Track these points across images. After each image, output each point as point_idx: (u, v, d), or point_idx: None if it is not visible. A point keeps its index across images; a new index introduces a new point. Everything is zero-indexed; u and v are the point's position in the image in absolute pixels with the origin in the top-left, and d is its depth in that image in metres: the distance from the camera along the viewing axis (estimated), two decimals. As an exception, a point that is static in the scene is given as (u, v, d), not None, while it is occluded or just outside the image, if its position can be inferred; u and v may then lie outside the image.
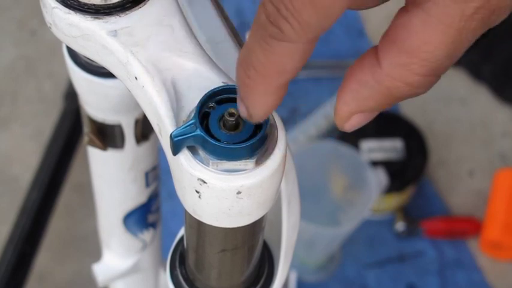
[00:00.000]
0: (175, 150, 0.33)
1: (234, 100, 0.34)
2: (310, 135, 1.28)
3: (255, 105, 0.32)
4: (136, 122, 0.54)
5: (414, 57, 0.30)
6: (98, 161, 0.59)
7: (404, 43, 0.30)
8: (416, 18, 0.30)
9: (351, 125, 0.33)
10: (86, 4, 0.37)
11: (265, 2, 0.30)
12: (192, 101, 0.35)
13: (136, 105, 0.38)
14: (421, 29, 0.30)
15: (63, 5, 0.37)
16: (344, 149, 1.13)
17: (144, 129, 0.55)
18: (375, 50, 0.31)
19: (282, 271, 0.44)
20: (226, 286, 0.43)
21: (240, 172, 0.33)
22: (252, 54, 0.31)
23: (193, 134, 0.32)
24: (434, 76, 0.31)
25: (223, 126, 0.33)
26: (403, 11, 0.31)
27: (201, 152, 0.33)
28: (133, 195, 0.61)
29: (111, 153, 0.56)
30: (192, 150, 0.33)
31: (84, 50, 0.38)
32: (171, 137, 0.33)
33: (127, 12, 0.37)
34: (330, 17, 0.29)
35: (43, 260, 1.18)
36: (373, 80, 0.31)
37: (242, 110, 0.33)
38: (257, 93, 0.32)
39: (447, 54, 0.30)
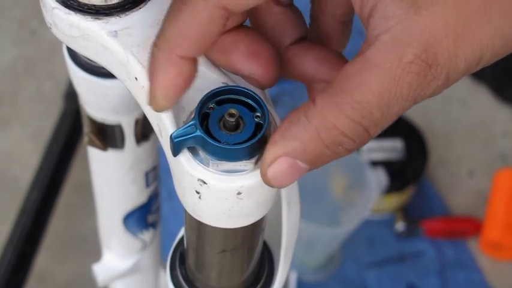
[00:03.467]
0: (176, 151, 0.33)
1: (234, 101, 0.34)
2: (310, 135, 1.28)
3: (158, 78, 0.32)
4: (137, 122, 0.54)
5: (347, 97, 0.30)
6: (98, 161, 0.59)
7: (341, 84, 0.30)
8: (357, 63, 0.30)
9: (274, 172, 0.31)
10: (86, 5, 0.37)
11: None
12: (192, 102, 0.35)
13: (137, 105, 0.38)
14: (360, 72, 0.30)
15: (63, 5, 0.37)
16: (344, 149, 1.13)
17: (144, 129, 0.55)
18: (313, 97, 0.31)
19: (282, 271, 0.44)
20: (226, 286, 0.43)
21: (240, 173, 0.33)
22: (164, 20, 0.31)
23: (193, 135, 0.32)
24: (363, 127, 0.30)
25: (223, 126, 0.33)
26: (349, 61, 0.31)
27: (201, 153, 0.33)
28: (133, 196, 0.61)
29: (111, 154, 0.56)
30: (192, 151, 0.34)
31: (84, 50, 0.38)
32: (171, 138, 0.33)
33: (127, 12, 0.37)
34: None
35: (43, 260, 1.18)
36: (303, 117, 0.31)
37: (148, 95, 0.32)
38: (160, 62, 0.32)
39: (379, 103, 0.29)
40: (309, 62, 0.35)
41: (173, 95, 0.32)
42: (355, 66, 0.30)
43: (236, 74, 0.35)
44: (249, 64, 0.34)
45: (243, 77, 0.35)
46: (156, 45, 0.32)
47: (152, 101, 0.33)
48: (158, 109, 0.33)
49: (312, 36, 0.37)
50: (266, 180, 0.32)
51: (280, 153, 0.31)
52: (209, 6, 0.30)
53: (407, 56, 0.29)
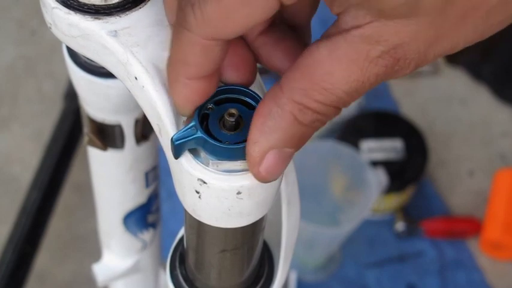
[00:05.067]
0: (177, 154, 0.33)
1: (233, 100, 0.34)
2: (310, 135, 1.28)
3: (173, 94, 0.33)
4: (136, 122, 0.54)
5: (314, 84, 0.30)
6: (97, 161, 0.59)
7: (306, 70, 0.30)
8: (324, 49, 0.30)
9: (266, 168, 0.32)
10: (86, 4, 0.37)
11: None
12: (192, 101, 0.35)
13: (136, 105, 0.38)
14: (326, 60, 0.30)
15: (63, 5, 0.37)
16: (344, 149, 1.13)
17: (144, 129, 0.55)
18: (278, 82, 0.31)
19: (282, 271, 0.44)
20: (226, 286, 0.43)
21: (240, 172, 0.33)
22: (171, 41, 0.32)
23: (194, 136, 0.32)
24: (333, 107, 0.31)
25: (223, 126, 0.33)
26: (312, 43, 0.31)
27: (201, 153, 0.33)
28: (133, 196, 0.61)
29: (111, 154, 0.56)
30: (192, 150, 0.33)
31: (84, 50, 0.38)
32: (172, 141, 0.33)
33: (127, 12, 0.37)
34: (232, 21, 0.29)
35: (43, 260, 1.18)
36: (275, 107, 0.31)
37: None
38: (172, 81, 0.33)
39: (347, 91, 0.30)
40: (277, 55, 0.35)
41: (190, 107, 0.33)
42: (321, 51, 0.30)
43: None
44: (227, 74, 0.34)
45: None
46: (167, 65, 0.33)
47: (176, 110, 0.34)
48: (182, 115, 0.34)
49: (286, 21, 0.36)
50: (261, 179, 0.32)
51: (266, 149, 0.31)
52: (197, 39, 0.30)
53: (375, 52, 0.29)
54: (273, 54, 0.35)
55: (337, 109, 0.31)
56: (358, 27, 0.30)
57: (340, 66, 0.30)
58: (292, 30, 0.36)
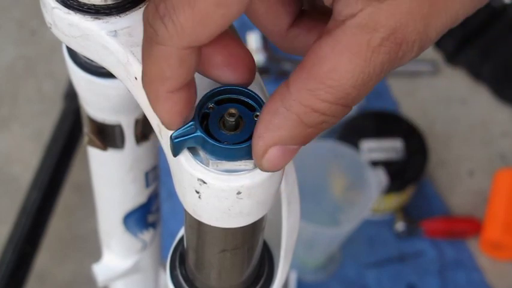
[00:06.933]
0: (176, 152, 0.33)
1: (233, 100, 0.34)
2: (310, 135, 1.28)
3: (158, 111, 0.32)
4: (136, 122, 0.54)
5: (320, 83, 0.30)
6: (98, 161, 0.59)
7: (312, 69, 0.30)
8: (326, 45, 0.30)
9: (269, 161, 0.32)
10: (85, 4, 0.37)
11: (149, 2, 0.30)
12: (192, 101, 0.35)
13: (136, 105, 0.38)
14: (329, 56, 0.30)
15: (63, 5, 0.37)
16: (344, 149, 1.13)
17: (144, 129, 0.55)
18: (287, 80, 0.31)
19: (282, 271, 0.44)
20: (226, 286, 0.43)
21: (240, 172, 0.33)
22: (142, 58, 0.31)
23: (193, 135, 0.33)
24: (342, 105, 0.30)
25: (223, 126, 0.33)
26: (315, 41, 0.31)
27: (201, 153, 0.33)
28: (133, 196, 0.61)
29: (111, 154, 0.56)
30: (192, 150, 0.34)
31: (84, 50, 0.38)
32: (171, 138, 0.33)
33: (127, 12, 0.37)
34: (207, 25, 0.29)
35: (43, 260, 1.18)
36: (282, 107, 0.31)
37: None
38: (153, 99, 0.32)
39: (354, 84, 0.30)
40: (312, 41, 0.34)
41: (178, 120, 0.33)
42: (323, 48, 0.30)
43: (214, 80, 0.35)
44: (226, 74, 0.34)
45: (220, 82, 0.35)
46: (143, 84, 0.32)
47: (164, 126, 0.33)
48: (171, 130, 0.33)
49: (312, 7, 0.36)
50: (264, 170, 0.33)
51: (269, 145, 0.32)
52: (172, 51, 0.30)
53: (375, 40, 0.29)
54: (308, 41, 0.34)
55: (346, 107, 0.31)
56: (352, 16, 0.29)
57: (343, 60, 0.29)
58: (323, 14, 0.35)
